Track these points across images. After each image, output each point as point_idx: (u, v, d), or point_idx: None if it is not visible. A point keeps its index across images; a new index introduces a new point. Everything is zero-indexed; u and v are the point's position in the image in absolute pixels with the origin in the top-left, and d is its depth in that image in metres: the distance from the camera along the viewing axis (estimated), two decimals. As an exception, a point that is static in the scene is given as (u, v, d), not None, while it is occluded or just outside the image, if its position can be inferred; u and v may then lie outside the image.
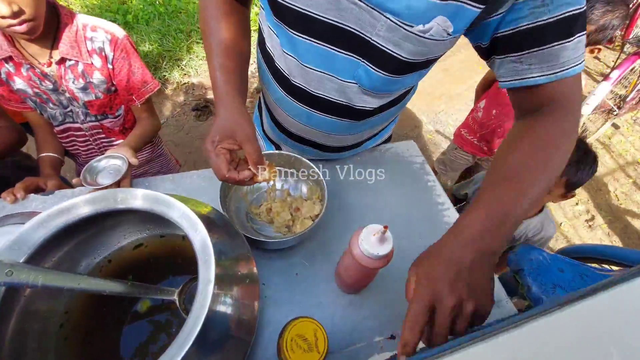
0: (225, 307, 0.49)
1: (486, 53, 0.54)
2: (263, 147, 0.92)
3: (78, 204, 0.47)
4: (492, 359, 0.21)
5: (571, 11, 0.44)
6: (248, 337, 0.51)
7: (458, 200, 1.29)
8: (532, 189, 0.45)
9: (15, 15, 0.66)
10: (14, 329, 0.46)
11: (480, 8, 0.45)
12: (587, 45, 1.13)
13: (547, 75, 0.49)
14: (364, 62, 0.57)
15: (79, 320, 0.55)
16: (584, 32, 0.47)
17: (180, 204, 0.48)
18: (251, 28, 0.71)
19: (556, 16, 0.45)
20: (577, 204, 2.17)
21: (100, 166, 0.75)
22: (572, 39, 0.46)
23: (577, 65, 0.48)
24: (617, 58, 2.75)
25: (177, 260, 0.65)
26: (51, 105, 0.88)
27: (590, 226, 2.06)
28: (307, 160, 0.73)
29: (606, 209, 2.15)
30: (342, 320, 0.62)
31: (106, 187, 0.69)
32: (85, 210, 0.47)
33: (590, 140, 2.45)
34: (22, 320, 0.47)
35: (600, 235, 2.01)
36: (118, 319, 0.59)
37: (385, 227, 0.48)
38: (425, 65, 0.58)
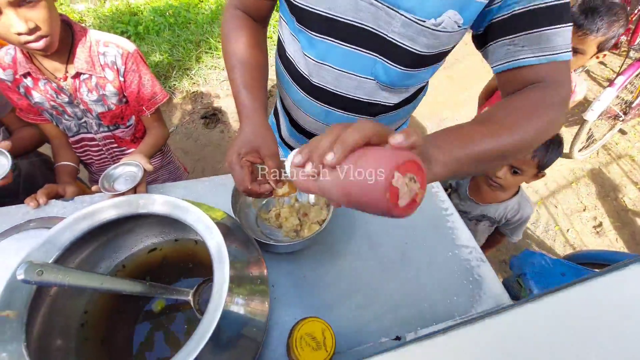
0: (237, 307, 0.52)
1: (481, 41, 0.57)
2: (280, 153, 0.95)
3: (102, 208, 0.50)
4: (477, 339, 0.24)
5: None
6: (259, 336, 0.53)
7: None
8: (502, 137, 0.44)
9: (31, 31, 0.70)
10: (40, 327, 0.49)
11: (486, 0, 0.50)
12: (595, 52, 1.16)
13: (538, 56, 0.50)
14: (381, 58, 0.61)
15: (98, 319, 0.58)
16: (571, 24, 0.50)
17: (197, 209, 0.51)
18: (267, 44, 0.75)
19: (548, 2, 0.48)
20: (584, 210, 2.16)
21: (116, 173, 0.78)
22: (562, 25, 0.49)
23: (566, 52, 0.51)
24: (622, 64, 2.75)
25: (189, 264, 0.68)
26: (66, 117, 0.92)
27: (598, 232, 2.05)
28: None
29: (614, 215, 2.13)
30: (349, 322, 0.65)
31: (123, 193, 0.72)
32: (109, 215, 0.50)
33: (597, 146, 2.44)
34: (48, 319, 0.50)
35: (609, 242, 2.00)
36: (133, 319, 0.61)
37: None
38: (438, 58, 0.62)
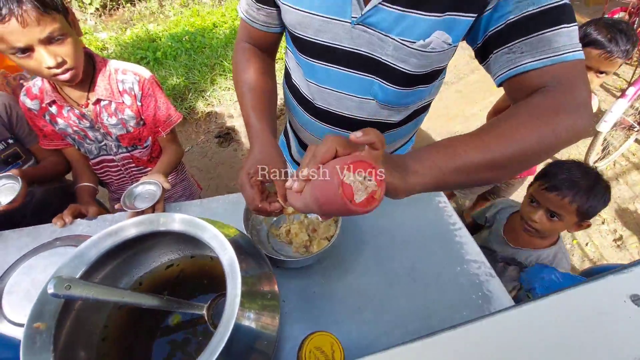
0: (249, 321, 0.54)
1: (482, 55, 0.57)
2: (291, 171, 0.99)
3: (125, 226, 0.54)
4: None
5: (555, 2, 0.47)
6: (269, 350, 0.55)
7: (478, 225, 1.30)
8: (492, 146, 0.43)
9: (59, 65, 0.77)
10: (65, 339, 0.52)
11: (472, 17, 0.52)
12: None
13: (539, 60, 0.48)
14: (377, 79, 0.65)
15: (118, 334, 0.61)
16: (575, 24, 0.48)
17: (211, 226, 0.55)
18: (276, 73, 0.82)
19: (542, 6, 0.47)
20: (603, 222, 2.10)
21: (137, 191, 0.83)
22: (564, 26, 0.47)
23: (574, 51, 0.47)
24: (633, 74, 2.72)
25: (204, 280, 0.71)
26: (88, 141, 0.99)
27: (618, 246, 1.98)
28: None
29: (634, 227, 2.07)
30: (358, 338, 0.65)
31: (143, 211, 0.77)
32: (131, 232, 0.54)
33: (613, 157, 2.40)
34: (73, 332, 0.54)
35: (630, 256, 1.93)
36: (150, 334, 0.64)
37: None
38: (432, 76, 0.65)
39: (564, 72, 0.48)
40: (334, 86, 0.68)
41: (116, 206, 0.80)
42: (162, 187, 0.84)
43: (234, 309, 0.47)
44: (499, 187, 1.69)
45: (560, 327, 0.25)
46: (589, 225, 0.97)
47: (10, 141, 0.95)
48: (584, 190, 0.90)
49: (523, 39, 0.49)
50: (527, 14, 0.48)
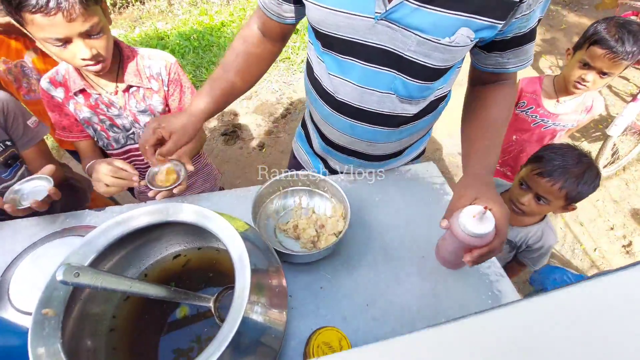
0: (257, 315, 0.53)
1: (474, 49, 0.69)
2: (309, 162, 1.03)
3: (135, 215, 0.54)
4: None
5: (535, 24, 0.62)
6: (276, 344, 0.55)
7: None
8: (500, 138, 0.69)
9: (93, 57, 0.78)
10: (73, 327, 0.52)
11: (500, 24, 0.56)
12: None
13: (518, 66, 0.68)
14: (399, 74, 0.67)
15: (125, 326, 0.61)
16: (534, 40, 0.66)
17: (222, 218, 0.54)
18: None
19: (529, 28, 0.62)
20: (612, 228, 2.07)
21: (160, 170, 0.83)
22: (533, 41, 0.65)
23: (529, 61, 0.69)
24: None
25: (210, 273, 0.70)
26: (115, 129, 1.00)
27: (628, 252, 1.95)
28: (332, 181, 0.78)
29: (644, 234, 2.03)
30: (366, 334, 0.65)
31: (169, 188, 0.77)
32: (141, 222, 0.53)
33: (622, 162, 2.36)
34: (80, 321, 0.53)
35: (640, 262, 1.90)
36: (158, 327, 0.64)
37: (486, 207, 0.51)
38: (450, 68, 0.69)
39: (517, 74, 0.73)
40: (355, 80, 0.70)
41: (141, 182, 0.80)
42: (186, 168, 0.84)
43: (242, 302, 0.46)
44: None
45: (571, 321, 0.24)
46: (574, 209, 0.99)
47: (8, 143, 0.91)
48: (574, 177, 0.91)
49: (514, 49, 0.65)
50: (521, 33, 0.62)
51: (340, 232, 0.74)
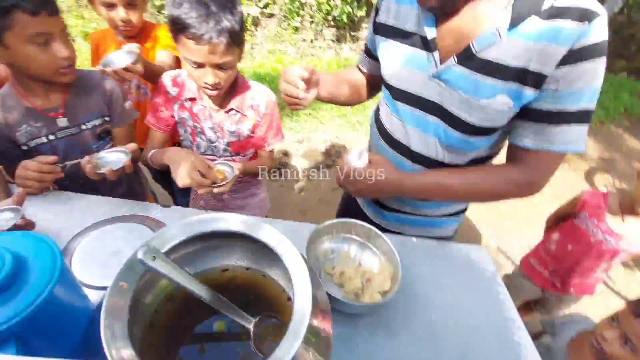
0: (304, 353, 0.51)
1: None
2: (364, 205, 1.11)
3: (217, 218, 0.56)
4: None
5: (567, 110, 0.65)
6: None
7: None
8: (461, 180, 0.79)
9: (215, 85, 0.91)
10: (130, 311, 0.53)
11: (536, 92, 0.65)
12: None
13: (535, 143, 0.70)
14: (443, 123, 0.78)
15: (163, 324, 0.60)
16: (584, 124, 0.66)
17: (290, 244, 0.55)
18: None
19: (558, 110, 0.65)
20: None
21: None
22: (567, 124, 0.65)
23: (561, 145, 0.68)
24: None
25: (251, 296, 0.69)
26: (202, 137, 1.11)
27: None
28: (385, 237, 0.78)
29: None
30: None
31: (214, 186, 0.87)
32: (221, 226, 0.56)
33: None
34: (133, 306, 0.54)
35: None
36: (194, 335, 0.62)
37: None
38: (491, 130, 0.76)
39: (539, 158, 0.72)
40: (409, 123, 0.84)
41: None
42: (235, 173, 0.93)
43: (297, 338, 0.44)
44: (548, 297, 1.55)
45: None
46: None
47: (107, 118, 1.07)
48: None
49: (536, 122, 0.68)
50: (545, 108, 0.67)
51: (385, 292, 0.72)
